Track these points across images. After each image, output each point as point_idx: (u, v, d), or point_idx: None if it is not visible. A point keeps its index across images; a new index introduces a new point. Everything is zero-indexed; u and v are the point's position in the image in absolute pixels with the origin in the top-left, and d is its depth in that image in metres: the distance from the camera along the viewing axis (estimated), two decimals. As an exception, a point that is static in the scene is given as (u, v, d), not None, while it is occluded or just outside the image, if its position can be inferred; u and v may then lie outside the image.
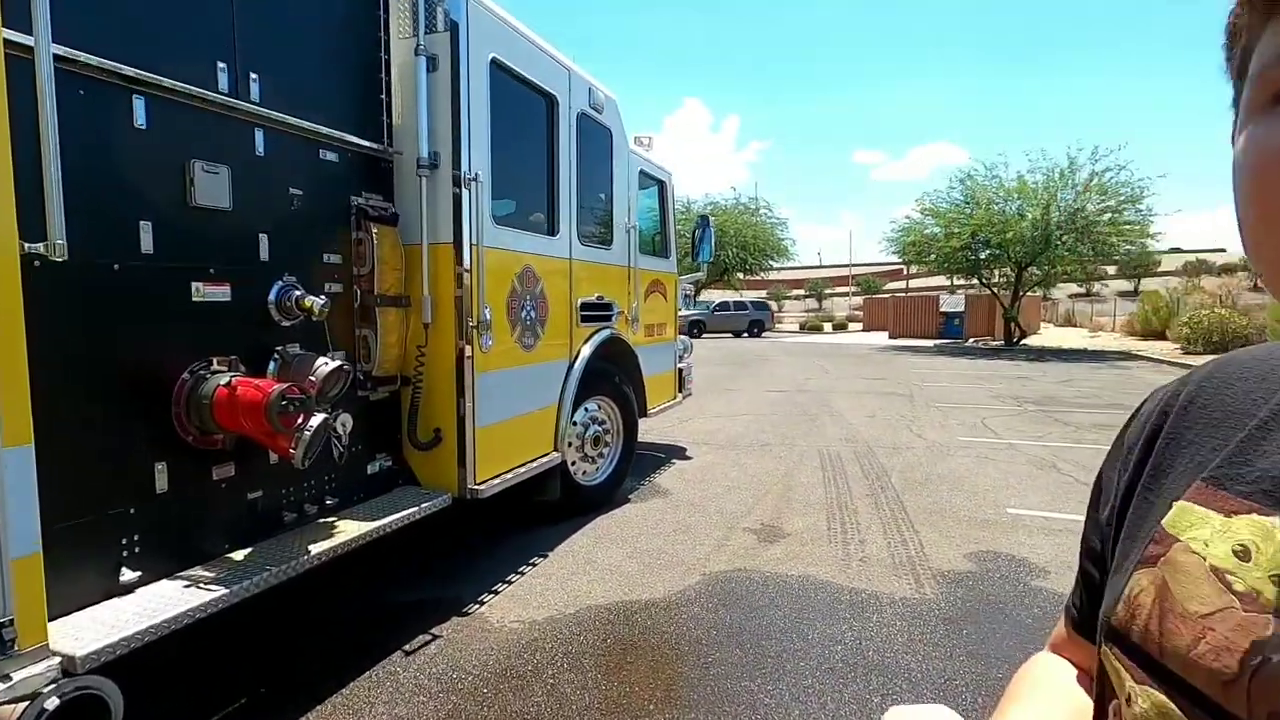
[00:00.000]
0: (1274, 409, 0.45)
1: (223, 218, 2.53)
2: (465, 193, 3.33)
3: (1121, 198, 19.28)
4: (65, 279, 2.01)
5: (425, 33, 3.27)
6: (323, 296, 2.82)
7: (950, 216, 21.72)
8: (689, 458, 6.78)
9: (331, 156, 3.02)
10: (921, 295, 32.44)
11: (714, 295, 39.73)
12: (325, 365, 2.72)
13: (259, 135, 2.67)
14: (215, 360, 2.51)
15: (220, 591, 2.27)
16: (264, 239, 2.70)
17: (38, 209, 1.79)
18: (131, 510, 2.27)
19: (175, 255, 2.37)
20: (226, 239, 2.56)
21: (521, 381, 3.92)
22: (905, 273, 48.43)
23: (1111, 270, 22.31)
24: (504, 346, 3.71)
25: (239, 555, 2.56)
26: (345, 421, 2.88)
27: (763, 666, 2.89)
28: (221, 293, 2.54)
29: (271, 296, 2.74)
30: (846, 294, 56.02)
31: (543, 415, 4.20)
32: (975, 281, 25.28)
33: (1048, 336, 27.65)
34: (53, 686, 1.82)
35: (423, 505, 3.22)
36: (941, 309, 27.43)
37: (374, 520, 2.98)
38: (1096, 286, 39.45)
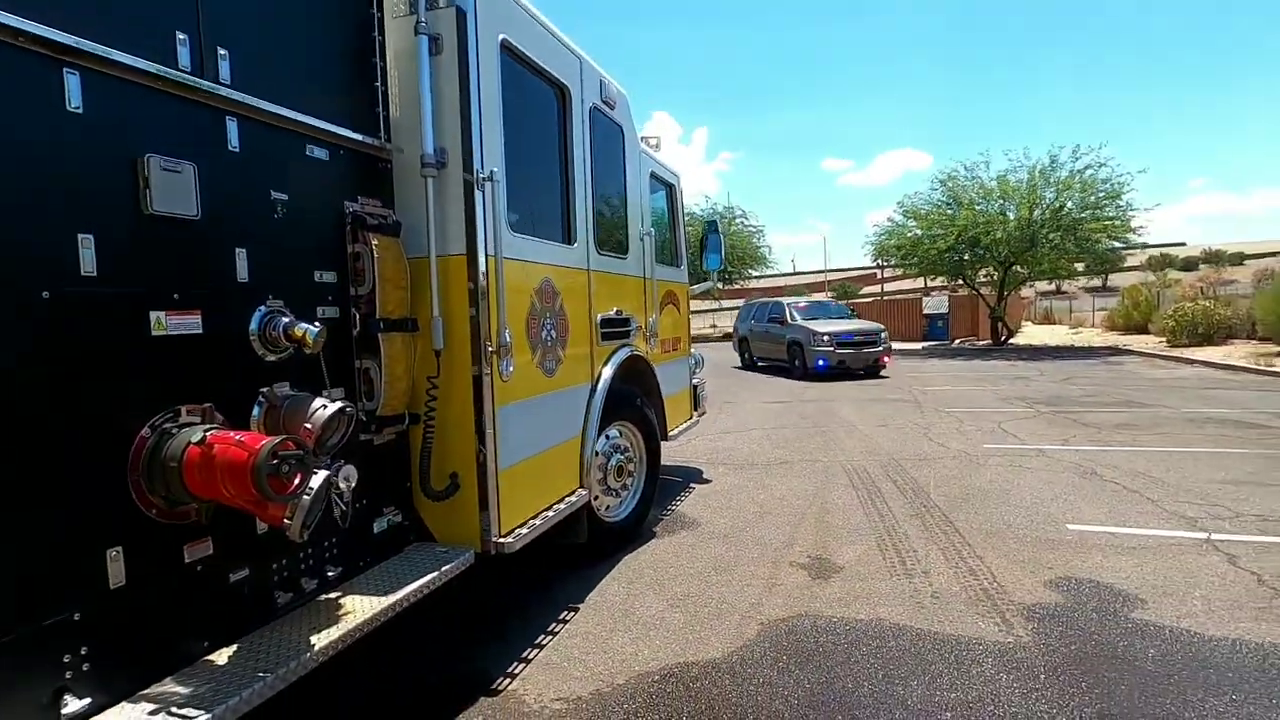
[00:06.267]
0: None
1: (188, 229, 2.00)
2: (480, 195, 2.83)
3: (1101, 194, 19.34)
4: (-30, 313, 1.47)
5: (426, 9, 2.78)
6: (316, 324, 2.29)
7: (933, 219, 21.64)
8: (707, 480, 6.29)
9: (321, 154, 2.51)
10: (902, 299, 32.41)
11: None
12: (324, 409, 2.19)
13: (232, 125, 2.15)
14: (184, 410, 1.97)
15: (201, 716, 1.72)
16: (242, 255, 2.17)
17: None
18: (76, 616, 1.71)
19: (127, 278, 1.84)
20: (194, 256, 2.03)
21: (545, 411, 3.41)
22: (880, 277, 48.63)
23: (1080, 267, 22.36)
24: (525, 372, 3.20)
25: (223, 657, 2.01)
26: (349, 475, 2.35)
27: (868, 749, 2.40)
28: (190, 324, 2.00)
29: (253, 326, 2.20)
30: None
31: (567, 448, 3.68)
32: (955, 282, 25.26)
33: (1032, 334, 27.70)
34: None
35: (443, 569, 2.69)
36: (925, 311, 27.34)
37: (387, 594, 2.44)
38: (1066, 284, 39.91)
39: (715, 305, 48.42)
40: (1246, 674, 2.77)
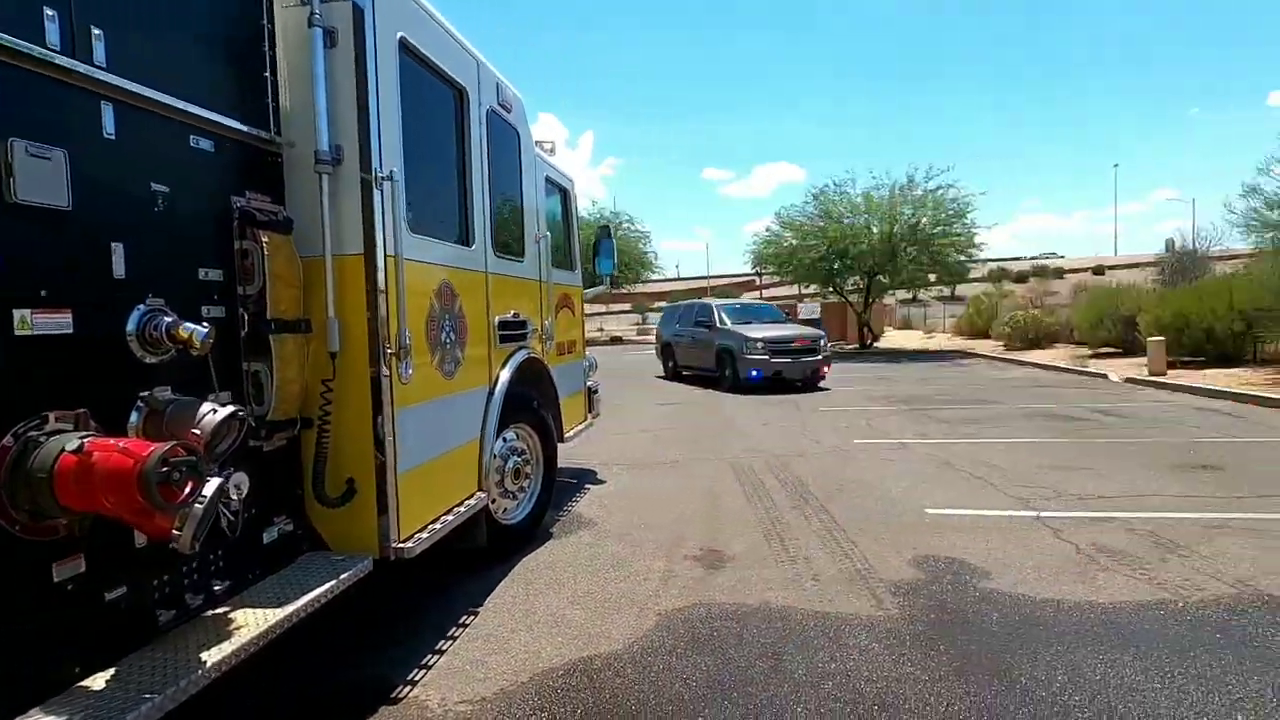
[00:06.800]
0: None
1: (58, 220, 1.85)
2: (379, 194, 2.78)
3: (950, 212, 21.45)
4: None
5: (320, 0, 2.69)
6: (205, 324, 2.17)
7: (806, 230, 23.06)
8: (602, 481, 6.40)
9: (205, 145, 2.37)
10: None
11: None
12: (213, 413, 2.09)
13: (107, 111, 2.00)
14: (53, 416, 1.82)
15: (78, 744, 1.60)
16: (119, 250, 2.03)
17: None
18: (-74, 646, 1.54)
19: (-13, 272, 1.68)
20: (65, 249, 1.88)
21: (444, 414, 3.38)
22: (759, 283, 51.18)
23: (933, 278, 24.78)
24: (424, 375, 3.16)
25: (99, 682, 1.87)
26: (240, 483, 2.24)
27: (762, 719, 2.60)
28: (60, 323, 1.85)
29: (131, 326, 2.06)
30: (707, 305, 57.71)
31: (466, 451, 3.66)
32: (826, 290, 27.02)
33: (893, 339, 30.19)
34: None
35: (341, 577, 2.61)
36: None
37: (281, 606, 2.35)
38: (922, 293, 43.62)
39: (603, 309, 48.78)
40: (1069, 628, 3.24)
